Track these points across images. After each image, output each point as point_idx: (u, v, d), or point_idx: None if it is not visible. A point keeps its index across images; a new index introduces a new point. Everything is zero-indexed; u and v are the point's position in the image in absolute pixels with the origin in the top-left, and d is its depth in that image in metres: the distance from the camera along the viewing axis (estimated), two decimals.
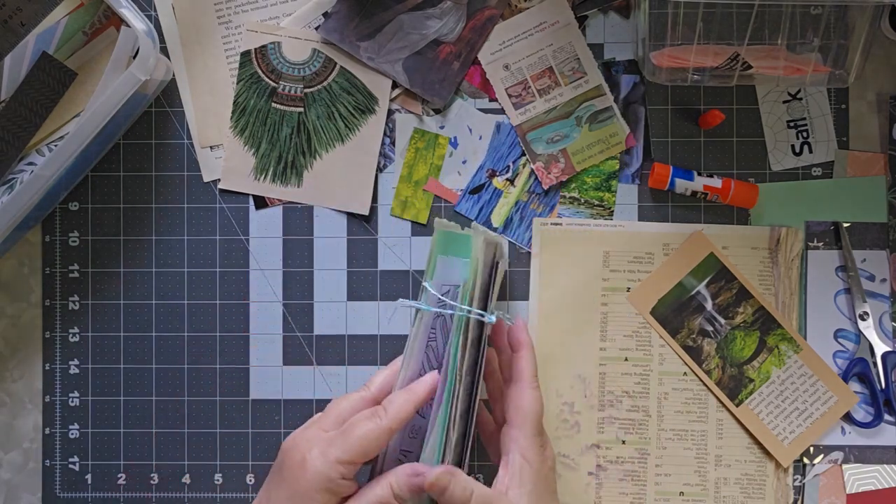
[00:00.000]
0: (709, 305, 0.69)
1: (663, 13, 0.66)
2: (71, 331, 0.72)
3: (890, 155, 0.71)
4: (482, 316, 0.59)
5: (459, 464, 0.58)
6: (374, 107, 0.71)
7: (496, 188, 0.72)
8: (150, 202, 0.72)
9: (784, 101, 0.71)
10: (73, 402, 0.72)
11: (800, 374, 0.69)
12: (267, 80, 0.71)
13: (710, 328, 0.69)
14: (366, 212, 0.71)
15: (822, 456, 0.71)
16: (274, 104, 0.71)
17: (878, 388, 0.70)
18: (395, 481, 0.56)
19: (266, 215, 0.72)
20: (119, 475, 0.72)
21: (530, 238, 0.71)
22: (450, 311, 0.59)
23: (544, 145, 0.71)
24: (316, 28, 0.71)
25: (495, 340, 0.65)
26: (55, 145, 0.67)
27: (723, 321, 0.69)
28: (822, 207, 0.71)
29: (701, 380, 0.69)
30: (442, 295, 0.59)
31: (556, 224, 0.71)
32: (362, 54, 0.70)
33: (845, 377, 0.70)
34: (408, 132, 0.72)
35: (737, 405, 0.69)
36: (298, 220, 0.72)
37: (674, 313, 0.70)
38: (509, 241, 0.72)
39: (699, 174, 0.70)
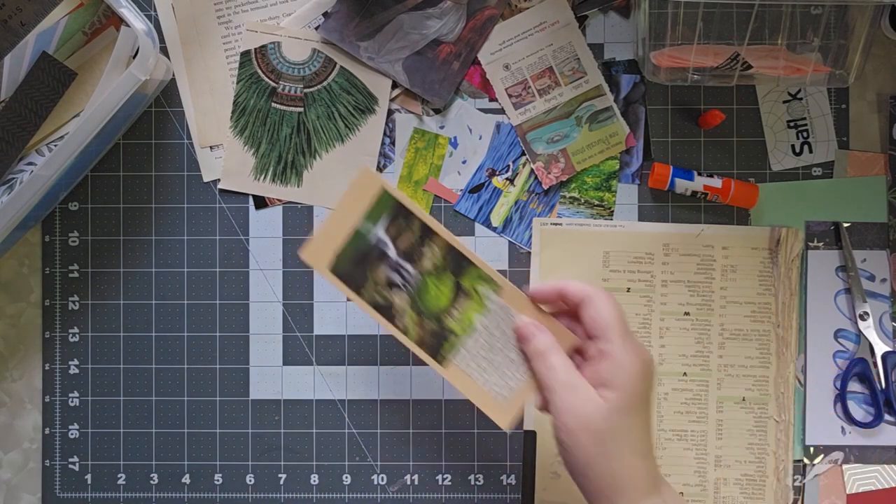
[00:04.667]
0: (392, 252, 0.59)
1: (663, 13, 0.66)
2: (71, 331, 0.72)
3: (890, 155, 0.71)
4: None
5: None
6: (373, 107, 0.71)
7: (496, 187, 0.72)
8: (150, 202, 0.72)
9: (784, 101, 0.71)
10: (72, 402, 0.72)
11: (504, 317, 0.59)
12: (267, 79, 0.71)
13: (398, 279, 0.58)
14: None
15: (822, 456, 0.71)
16: (274, 104, 0.71)
17: (879, 387, 0.70)
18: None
19: (266, 215, 0.72)
20: (119, 475, 0.72)
21: (530, 238, 0.71)
22: None
23: (544, 145, 0.71)
24: (316, 28, 0.71)
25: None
26: (55, 145, 0.67)
27: (411, 268, 0.58)
28: (822, 207, 0.71)
29: (400, 342, 0.58)
30: None
31: (556, 224, 0.71)
32: (362, 54, 0.70)
33: (845, 377, 0.70)
34: (408, 132, 0.72)
35: (444, 365, 0.59)
36: (298, 220, 0.72)
37: (356, 267, 0.59)
38: (509, 241, 0.72)
39: (699, 174, 0.70)
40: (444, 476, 0.72)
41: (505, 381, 0.58)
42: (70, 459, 0.72)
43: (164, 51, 0.71)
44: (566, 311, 0.58)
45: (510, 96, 0.71)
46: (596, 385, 0.53)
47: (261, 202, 0.72)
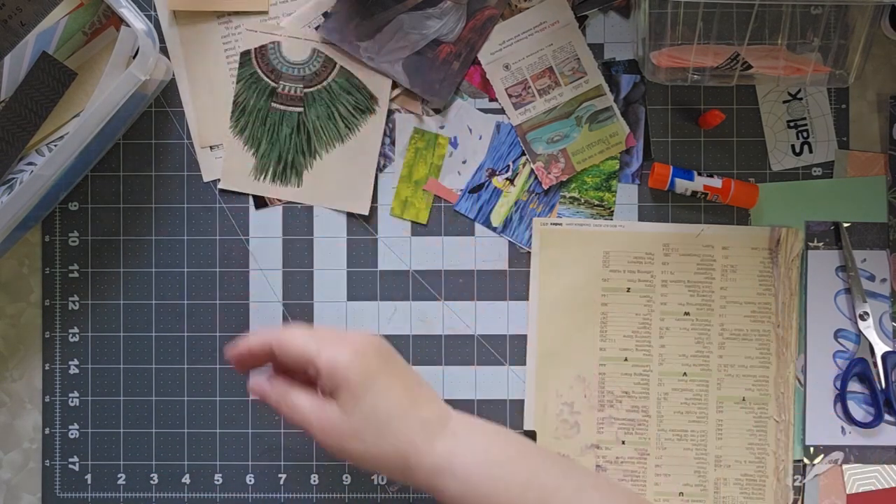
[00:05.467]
0: None
1: (663, 13, 0.66)
2: (71, 331, 0.72)
3: (890, 155, 0.71)
4: None
5: None
6: (373, 107, 0.71)
7: (496, 187, 0.72)
8: (150, 202, 0.72)
9: (784, 101, 0.71)
10: (72, 402, 0.72)
11: None
12: (267, 79, 0.71)
13: None
14: (366, 212, 0.71)
15: (822, 456, 0.71)
16: (274, 104, 0.71)
17: (879, 387, 0.70)
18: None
19: (266, 215, 0.72)
20: (119, 475, 0.72)
21: (530, 238, 0.71)
22: None
23: (544, 145, 0.71)
24: (316, 28, 0.71)
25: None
26: (55, 145, 0.67)
27: None
28: (822, 207, 0.71)
29: None
30: None
31: (556, 224, 0.71)
32: (362, 54, 0.70)
33: (845, 377, 0.70)
34: (408, 132, 0.72)
35: None
36: (298, 220, 0.72)
37: None
38: (509, 241, 0.72)
39: (699, 174, 0.70)
40: None
41: None
42: (70, 459, 0.72)
43: (164, 51, 0.71)
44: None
45: (510, 96, 0.71)
46: (328, 395, 0.55)
47: (261, 202, 0.72)
